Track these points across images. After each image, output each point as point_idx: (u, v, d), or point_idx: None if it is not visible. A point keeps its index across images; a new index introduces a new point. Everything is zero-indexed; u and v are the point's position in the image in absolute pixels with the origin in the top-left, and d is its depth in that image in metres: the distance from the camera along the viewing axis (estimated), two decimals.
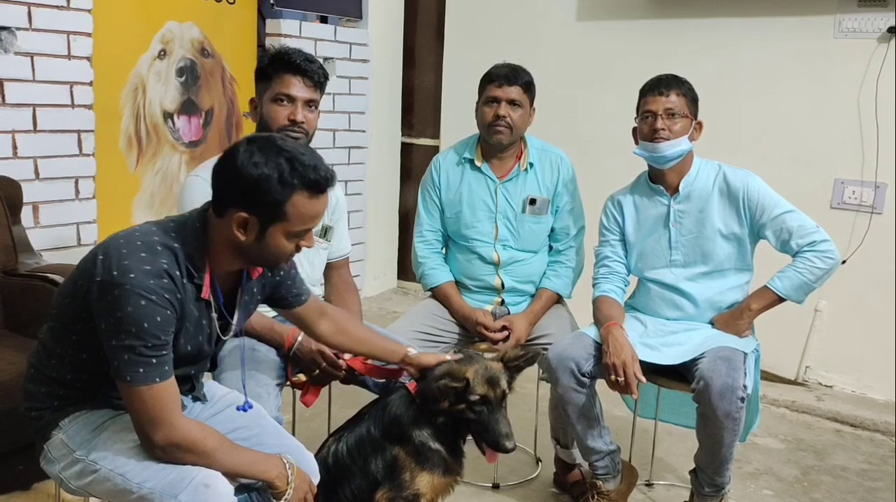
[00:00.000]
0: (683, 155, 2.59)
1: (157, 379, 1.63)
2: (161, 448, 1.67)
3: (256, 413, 2.05)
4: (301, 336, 2.40)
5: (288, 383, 2.44)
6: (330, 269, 2.69)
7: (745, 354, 2.48)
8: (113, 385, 1.67)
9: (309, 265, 2.58)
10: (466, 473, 2.96)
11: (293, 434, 2.20)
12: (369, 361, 2.38)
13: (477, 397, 2.09)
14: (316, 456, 2.06)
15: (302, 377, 2.43)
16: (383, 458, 2.16)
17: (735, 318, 2.61)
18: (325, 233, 2.61)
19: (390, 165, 5.42)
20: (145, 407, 1.64)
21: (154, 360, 1.63)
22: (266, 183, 1.64)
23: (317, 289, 2.64)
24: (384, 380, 2.38)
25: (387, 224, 5.47)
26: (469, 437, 2.19)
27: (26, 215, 3.28)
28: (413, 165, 5.42)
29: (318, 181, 1.70)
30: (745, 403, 2.35)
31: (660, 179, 2.67)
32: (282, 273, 2.01)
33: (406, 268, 5.55)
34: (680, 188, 2.64)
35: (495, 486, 3.00)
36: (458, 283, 3.03)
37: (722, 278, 2.65)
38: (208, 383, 2.08)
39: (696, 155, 2.67)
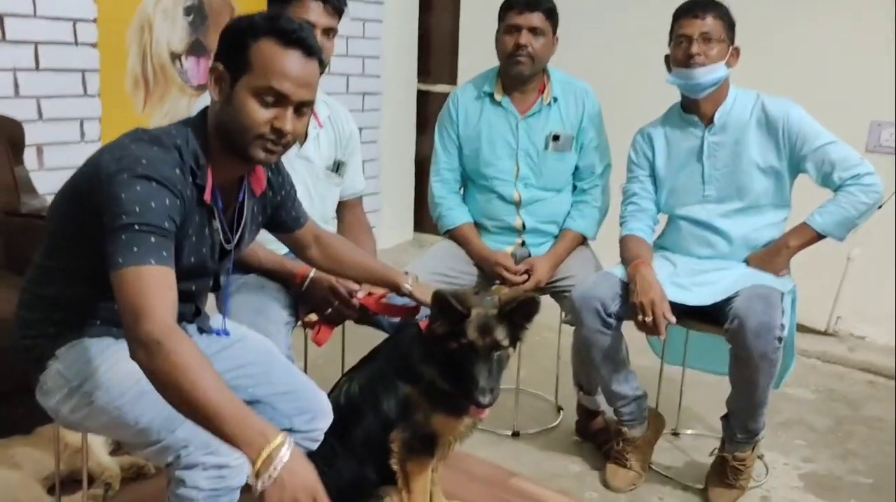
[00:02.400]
0: (719, 82, 2.43)
1: (152, 261, 1.43)
2: (146, 343, 1.37)
3: (266, 349, 1.93)
4: (313, 272, 2.28)
5: (299, 323, 2.33)
6: (343, 208, 2.57)
7: (783, 293, 2.34)
8: (112, 301, 1.46)
9: (321, 201, 2.46)
10: (486, 421, 2.89)
11: None
12: (383, 300, 2.27)
13: (465, 341, 1.91)
14: (328, 397, 1.95)
15: (313, 316, 2.32)
16: (396, 398, 2.05)
17: (771, 256, 2.46)
18: (338, 168, 2.48)
19: (406, 113, 5.25)
20: (134, 292, 1.40)
21: (152, 239, 1.45)
22: (237, 27, 1.57)
23: (329, 227, 2.52)
24: (398, 320, 2.27)
25: (403, 174, 5.32)
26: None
27: (30, 158, 3.17)
28: (429, 113, 5.25)
29: (288, 30, 1.56)
30: (781, 344, 2.22)
31: (693, 109, 2.51)
32: (283, 192, 1.90)
33: (423, 220, 5.41)
34: (715, 118, 2.48)
35: (515, 434, 2.90)
36: (476, 225, 2.89)
37: (758, 215, 2.50)
38: (216, 317, 1.96)
39: (731, 83, 2.50)
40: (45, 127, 3.29)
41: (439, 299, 1.94)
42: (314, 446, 1.87)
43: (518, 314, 1.96)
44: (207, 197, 1.62)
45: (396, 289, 2.10)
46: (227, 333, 1.90)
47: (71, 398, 1.65)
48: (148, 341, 1.38)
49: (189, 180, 1.57)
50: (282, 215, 1.93)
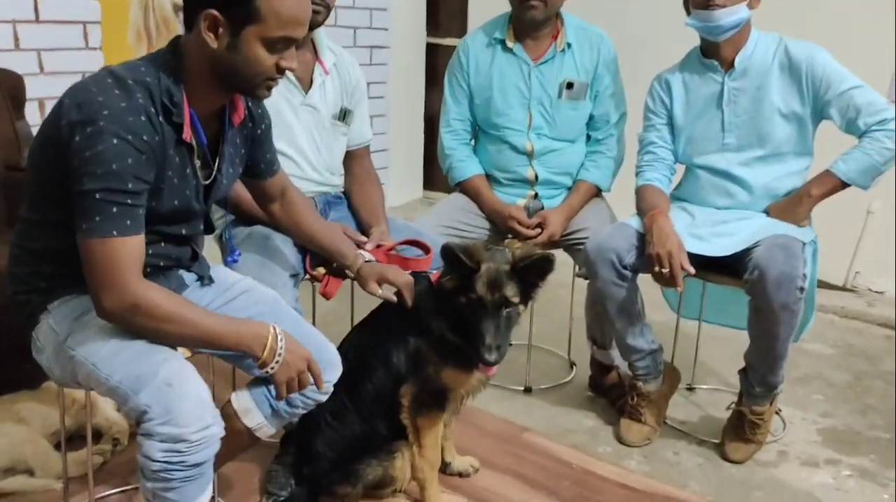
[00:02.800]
0: (741, 24, 2.33)
1: (115, 233, 1.44)
2: (114, 312, 1.48)
3: (273, 300, 1.88)
4: None
5: (307, 276, 2.28)
6: (350, 158, 2.50)
7: (804, 243, 2.26)
8: None
9: (327, 151, 2.39)
10: (498, 376, 2.84)
11: None
12: (392, 252, 2.21)
13: (474, 296, 1.86)
14: (337, 350, 1.90)
15: (321, 269, 2.27)
16: (406, 351, 2.00)
17: (793, 206, 2.38)
18: (344, 116, 2.40)
19: (415, 67, 5.15)
20: (98, 263, 1.45)
21: (114, 209, 1.43)
22: None
23: (335, 179, 2.46)
24: (408, 273, 2.21)
25: (411, 130, 5.23)
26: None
27: (32, 112, 3.11)
28: (439, 68, 5.11)
29: None
30: (803, 294, 2.15)
31: (713, 53, 2.41)
32: (262, 126, 1.82)
33: (433, 178, 5.34)
34: (735, 63, 2.39)
35: (527, 390, 2.86)
36: (488, 177, 2.81)
37: (779, 163, 2.41)
38: (218, 268, 1.91)
39: (753, 26, 2.40)
40: (46, 80, 3.22)
41: (448, 252, 1.88)
42: (324, 398, 1.83)
43: (531, 271, 1.88)
44: (186, 135, 1.55)
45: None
46: (235, 261, 1.94)
47: (58, 353, 1.62)
48: (116, 310, 1.48)
49: (161, 121, 1.50)
50: (257, 155, 1.85)
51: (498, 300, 1.86)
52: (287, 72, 2.20)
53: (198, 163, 1.63)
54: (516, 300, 1.88)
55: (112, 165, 1.41)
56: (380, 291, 2.01)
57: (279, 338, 1.64)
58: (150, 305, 1.49)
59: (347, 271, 2.06)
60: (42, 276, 1.62)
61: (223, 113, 1.68)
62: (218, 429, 1.51)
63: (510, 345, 3.14)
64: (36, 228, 1.60)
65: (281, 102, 2.26)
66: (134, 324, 1.51)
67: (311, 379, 1.71)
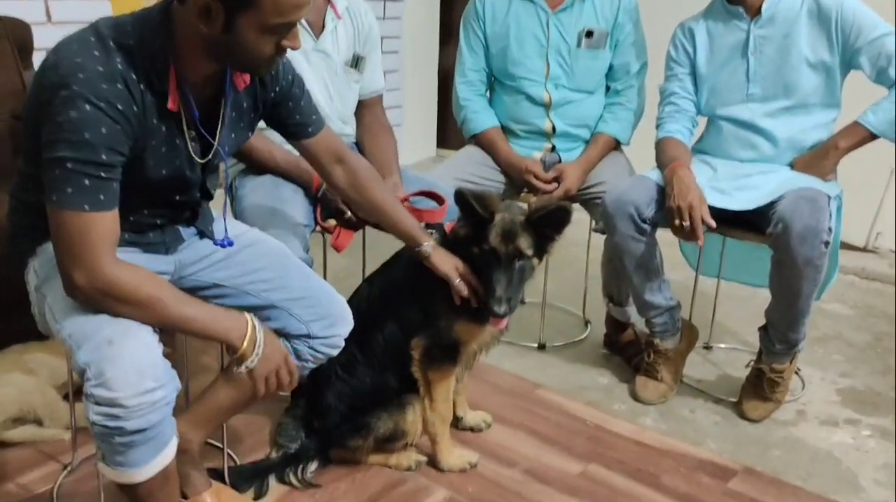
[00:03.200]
0: None
1: (86, 207, 1.36)
2: (83, 292, 1.40)
3: (281, 253, 1.83)
4: None
5: (317, 228, 2.23)
6: (362, 108, 2.43)
7: (830, 198, 2.19)
8: None
9: (340, 100, 2.33)
10: (511, 333, 2.81)
11: None
12: (405, 203, 2.15)
13: (487, 247, 1.82)
14: (348, 303, 1.85)
15: (332, 221, 2.22)
16: (418, 303, 1.96)
17: (819, 158, 2.31)
18: (357, 63, 2.34)
19: (429, 21, 5.03)
20: (68, 238, 1.37)
21: (86, 181, 1.35)
22: None
23: (347, 128, 2.40)
24: (422, 224, 2.16)
25: (426, 86, 5.14)
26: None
27: (39, 61, 3.04)
28: (454, 21, 5.00)
29: None
30: (828, 249, 2.09)
31: (739, 0, 2.32)
32: (277, 89, 1.69)
33: (447, 136, 5.26)
34: (762, 10, 2.30)
35: (541, 347, 2.82)
36: (504, 129, 2.74)
37: (805, 114, 2.33)
38: (220, 220, 1.85)
39: None
40: (54, 30, 3.16)
41: (461, 199, 1.83)
42: (334, 352, 1.79)
43: (547, 223, 1.84)
44: (172, 105, 1.46)
45: (414, 248, 1.91)
46: (230, 243, 1.77)
47: (38, 298, 1.58)
48: (87, 291, 1.40)
49: (142, 88, 1.41)
50: (281, 114, 1.73)
51: (511, 252, 1.82)
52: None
53: (191, 133, 1.53)
54: (530, 252, 1.84)
55: (85, 134, 1.33)
56: (457, 280, 1.88)
57: (258, 329, 1.57)
58: (124, 289, 1.41)
59: (421, 256, 1.90)
60: (37, 228, 1.57)
61: (223, 76, 1.56)
62: (163, 393, 1.39)
63: (524, 302, 3.12)
64: (31, 182, 1.54)
65: None
66: (104, 306, 1.42)
67: (288, 378, 1.64)
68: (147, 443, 1.43)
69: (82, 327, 1.42)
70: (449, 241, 1.95)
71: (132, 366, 1.36)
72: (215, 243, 1.75)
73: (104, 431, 1.37)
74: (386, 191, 1.95)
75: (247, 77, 1.60)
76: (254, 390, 1.62)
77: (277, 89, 1.69)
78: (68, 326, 1.45)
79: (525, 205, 1.91)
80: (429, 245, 1.89)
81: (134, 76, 1.39)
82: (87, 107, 1.32)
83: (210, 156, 1.59)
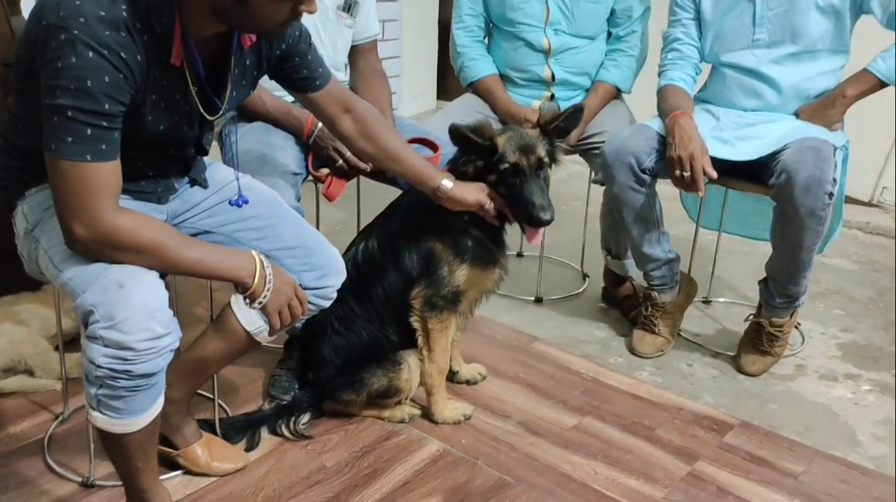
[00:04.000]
0: None
1: (88, 157, 1.31)
2: (83, 243, 1.37)
3: (272, 201, 1.78)
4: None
5: (309, 177, 2.18)
6: (355, 53, 2.36)
7: (835, 148, 2.13)
8: None
9: (331, 46, 2.26)
10: (509, 286, 2.79)
11: None
12: None
13: (507, 165, 1.84)
14: (343, 257, 1.81)
15: (325, 170, 2.17)
16: (418, 252, 1.93)
17: (825, 107, 2.24)
18: (350, 7, 2.26)
19: None
20: (67, 188, 1.33)
21: (88, 131, 1.30)
22: None
23: (340, 75, 2.33)
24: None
25: (425, 36, 5.03)
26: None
27: (28, 7, 2.97)
28: None
29: None
30: (831, 200, 2.04)
31: None
32: (283, 46, 1.63)
33: (447, 88, 5.16)
34: None
35: (538, 300, 2.79)
36: (502, 77, 2.68)
37: (812, 61, 2.26)
38: (214, 166, 1.81)
39: None
40: None
41: (458, 134, 1.83)
42: (326, 304, 1.75)
43: (558, 130, 1.90)
44: (175, 59, 1.39)
45: (432, 192, 1.85)
46: (245, 201, 1.73)
47: (26, 241, 1.55)
48: (87, 241, 1.37)
49: (145, 38, 1.34)
50: (286, 69, 1.67)
51: (534, 162, 1.85)
52: None
53: (194, 89, 1.47)
54: (548, 160, 1.89)
55: (87, 82, 1.27)
56: (489, 203, 1.86)
57: (266, 264, 1.55)
58: (125, 237, 1.37)
59: (443, 195, 1.84)
60: (26, 171, 1.54)
61: (230, 34, 1.50)
62: (170, 340, 1.38)
63: (521, 254, 3.10)
64: (21, 124, 1.49)
65: None
66: (107, 256, 1.39)
67: (300, 308, 1.63)
68: (150, 389, 1.42)
69: (86, 270, 1.39)
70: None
71: (143, 309, 1.34)
72: (231, 203, 1.72)
73: (110, 374, 1.36)
74: (397, 137, 1.89)
75: (254, 35, 1.54)
76: (269, 325, 1.61)
77: (284, 46, 1.62)
78: (69, 270, 1.42)
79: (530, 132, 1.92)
80: (448, 181, 1.85)
81: (139, 24, 1.32)
82: (90, 53, 1.26)
83: (217, 114, 1.54)
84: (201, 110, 1.50)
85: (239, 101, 1.64)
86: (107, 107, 1.30)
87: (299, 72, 1.69)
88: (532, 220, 1.84)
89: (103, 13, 1.28)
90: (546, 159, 1.87)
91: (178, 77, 1.44)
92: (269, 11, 1.36)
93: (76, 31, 1.25)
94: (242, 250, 1.56)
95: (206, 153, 1.71)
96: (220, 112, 1.54)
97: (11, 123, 1.52)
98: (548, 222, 1.84)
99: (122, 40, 1.30)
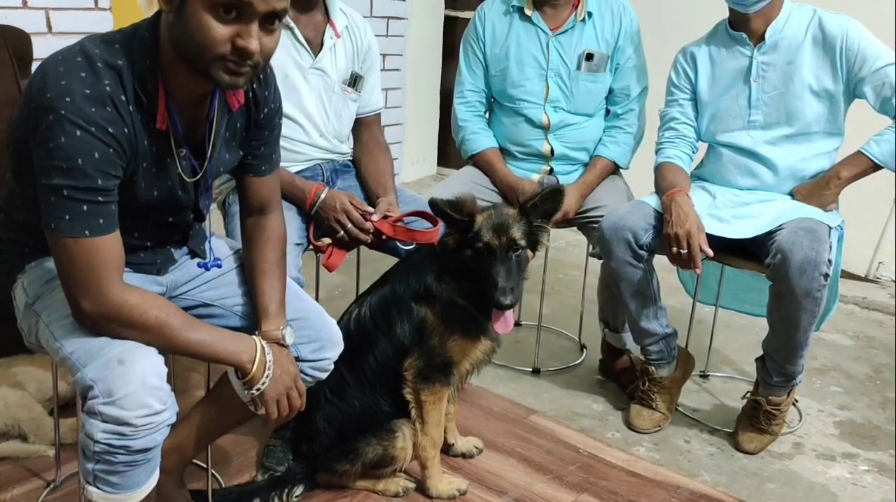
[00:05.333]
0: None
1: (87, 233, 1.34)
2: (90, 318, 1.39)
3: None
4: (325, 193, 2.16)
5: (310, 247, 2.21)
6: (359, 126, 2.41)
7: (830, 228, 2.16)
8: None
9: (336, 118, 2.31)
10: (506, 357, 2.79)
11: None
12: (398, 224, 2.13)
13: (480, 244, 1.83)
14: (338, 324, 1.82)
15: (326, 240, 2.19)
16: (409, 321, 1.93)
17: (820, 188, 2.28)
18: (355, 82, 2.32)
19: (432, 40, 5.04)
20: (71, 265, 1.36)
21: (84, 207, 1.33)
22: None
23: (343, 147, 2.38)
24: (414, 245, 2.14)
25: (427, 105, 5.14)
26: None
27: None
28: (457, 41, 4.96)
29: None
30: (827, 281, 2.05)
31: (743, 26, 2.30)
32: (266, 111, 1.61)
33: (448, 155, 5.24)
34: (766, 36, 2.27)
35: (535, 371, 2.78)
36: (502, 150, 2.72)
37: (807, 142, 2.31)
38: (214, 238, 1.83)
39: None
40: (54, 40, 3.15)
41: (436, 208, 1.85)
42: (323, 376, 1.75)
43: (539, 211, 1.87)
44: (160, 124, 1.42)
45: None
46: (216, 264, 1.73)
47: (26, 315, 1.55)
48: (94, 316, 1.39)
49: (131, 110, 1.37)
50: (253, 141, 1.64)
51: (506, 243, 1.84)
52: (296, 32, 2.15)
53: (181, 152, 1.49)
54: (524, 243, 1.86)
55: (78, 160, 1.30)
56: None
57: (266, 351, 1.55)
58: (131, 314, 1.40)
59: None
60: (24, 244, 1.56)
61: (213, 96, 1.51)
62: (168, 415, 1.39)
63: (520, 324, 3.09)
64: (19, 199, 1.51)
65: (289, 65, 2.18)
66: (112, 331, 1.41)
67: (299, 401, 1.62)
68: (146, 464, 1.42)
69: (86, 345, 1.41)
70: (439, 254, 1.93)
71: (142, 385, 1.36)
72: (199, 265, 1.72)
73: (108, 449, 1.36)
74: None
75: (240, 96, 1.56)
76: (266, 414, 1.60)
77: (266, 111, 1.63)
78: (70, 345, 1.43)
79: (509, 212, 1.90)
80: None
81: (123, 97, 1.35)
82: (78, 132, 1.29)
83: (200, 175, 1.55)
84: (180, 171, 1.50)
85: (232, 164, 1.65)
86: (100, 182, 1.33)
87: (259, 148, 1.67)
88: (492, 302, 1.82)
89: (88, 91, 1.31)
90: (521, 241, 1.84)
91: (165, 142, 1.46)
92: (204, 26, 1.31)
93: (63, 112, 1.28)
94: (245, 335, 1.56)
95: (203, 219, 1.71)
96: (202, 171, 1.54)
97: (9, 197, 1.55)
98: (506, 306, 1.82)
99: (108, 115, 1.33)
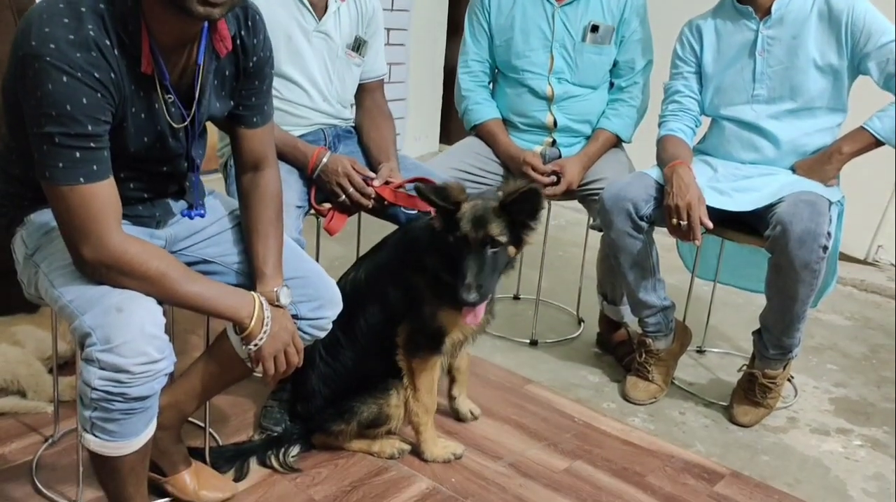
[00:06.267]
0: None
1: (82, 180, 1.34)
2: (90, 266, 1.40)
3: None
4: (327, 157, 2.16)
5: (311, 211, 2.21)
6: (362, 92, 2.41)
7: (831, 202, 2.16)
8: None
9: (339, 82, 2.30)
10: (504, 328, 2.80)
11: None
12: (400, 189, 2.13)
13: (458, 234, 1.77)
14: None
15: (327, 205, 2.19)
16: (403, 289, 1.93)
17: (821, 163, 2.28)
18: (359, 47, 2.31)
19: (437, 15, 5.02)
20: (68, 213, 1.36)
21: (77, 154, 1.33)
22: None
23: (346, 112, 2.37)
24: (415, 212, 2.14)
25: (431, 80, 5.12)
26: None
27: None
28: (461, 16, 4.93)
29: None
30: (826, 254, 2.06)
31: (749, 0, 2.29)
32: (255, 59, 1.59)
33: (450, 131, 5.23)
34: (772, 10, 2.27)
35: (533, 343, 2.79)
36: (505, 122, 2.72)
37: (810, 117, 2.30)
38: (215, 194, 1.83)
39: None
40: None
41: (422, 196, 1.81)
42: (321, 335, 1.76)
43: (520, 209, 1.78)
44: (145, 67, 1.41)
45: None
46: (200, 214, 1.71)
47: (26, 266, 1.56)
48: (94, 264, 1.39)
49: (116, 53, 1.36)
50: (244, 91, 1.63)
51: (482, 238, 1.77)
52: None
53: (169, 98, 1.48)
54: (503, 239, 1.78)
55: (66, 106, 1.30)
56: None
57: (265, 307, 1.56)
58: (132, 263, 1.40)
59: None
60: (22, 197, 1.56)
61: (203, 39, 1.50)
62: (165, 365, 1.40)
63: (493, 298, 3.11)
64: (15, 154, 1.52)
65: (293, 27, 2.17)
66: (111, 280, 1.41)
67: (296, 357, 1.63)
68: (144, 412, 1.43)
69: (86, 293, 1.41)
70: (431, 236, 1.91)
71: (140, 333, 1.36)
72: (184, 214, 1.70)
73: (105, 397, 1.37)
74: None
75: (227, 42, 1.53)
76: (263, 370, 1.61)
77: (255, 59, 1.61)
78: (69, 294, 1.43)
79: (494, 205, 1.82)
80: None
81: (107, 41, 1.35)
82: (64, 77, 1.29)
83: (188, 121, 1.54)
84: (168, 118, 1.50)
85: (222, 112, 1.64)
86: (90, 128, 1.33)
87: (250, 98, 1.66)
88: (458, 295, 1.76)
89: (72, 36, 1.30)
90: (501, 237, 1.77)
91: (152, 87, 1.45)
92: None
93: (48, 58, 1.28)
94: (244, 291, 1.56)
95: (197, 168, 1.69)
96: (189, 117, 1.53)
97: (6, 152, 1.55)
98: (468, 304, 1.76)
99: (93, 60, 1.32)
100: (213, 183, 1.89)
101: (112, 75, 1.36)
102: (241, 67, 1.60)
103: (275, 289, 1.62)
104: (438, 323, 1.92)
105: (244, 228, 1.73)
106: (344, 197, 2.15)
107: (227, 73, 1.59)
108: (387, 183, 2.15)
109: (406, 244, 1.96)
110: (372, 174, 2.18)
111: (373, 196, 2.15)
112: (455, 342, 2.00)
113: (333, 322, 1.78)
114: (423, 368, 1.95)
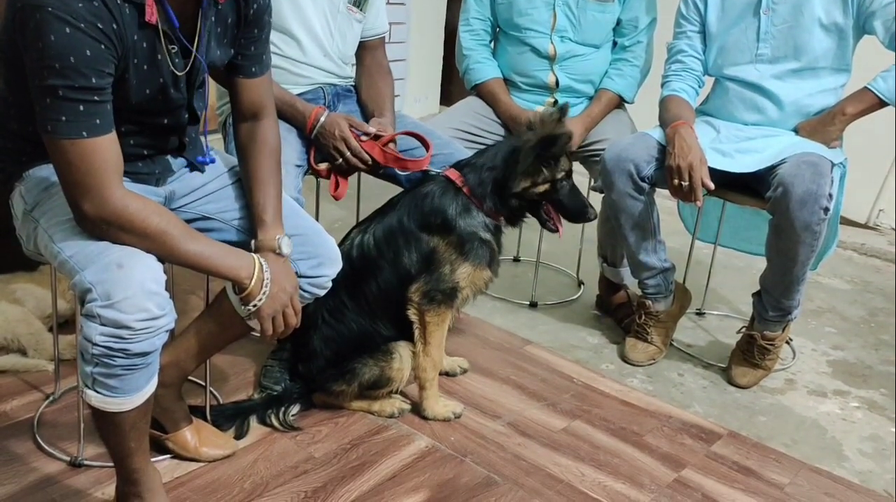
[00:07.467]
0: None
1: (84, 133, 1.32)
2: (90, 221, 1.38)
3: None
4: (324, 117, 2.13)
5: (310, 171, 2.20)
6: (363, 49, 2.37)
7: (833, 164, 2.15)
8: None
9: (340, 38, 2.27)
10: (504, 290, 2.81)
11: None
12: (390, 151, 2.12)
13: (563, 172, 1.98)
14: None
15: (324, 165, 2.18)
16: (418, 250, 1.96)
17: (824, 124, 2.26)
18: (360, 3, 2.27)
19: None
20: (70, 167, 1.34)
21: (81, 107, 1.31)
22: None
23: (347, 69, 2.35)
24: (416, 173, 2.13)
25: (431, 41, 5.05)
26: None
27: None
28: None
29: None
30: (827, 215, 2.05)
31: None
32: (255, 6, 1.59)
33: (451, 93, 5.18)
34: None
35: (533, 304, 2.80)
36: (506, 81, 2.69)
37: (814, 78, 2.28)
38: (215, 152, 1.81)
39: None
40: None
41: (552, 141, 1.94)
42: (321, 293, 1.75)
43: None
44: (149, 17, 1.39)
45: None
46: (212, 160, 1.72)
47: (25, 222, 1.55)
48: (94, 219, 1.38)
49: (119, 2, 1.33)
50: (242, 39, 1.62)
51: (571, 171, 2.04)
52: None
53: (173, 48, 1.46)
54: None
55: (70, 58, 1.27)
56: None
57: (265, 268, 1.55)
58: (132, 219, 1.39)
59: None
60: (21, 152, 1.55)
61: None
62: (166, 321, 1.39)
63: (519, 259, 3.12)
64: (13, 109, 1.50)
65: None
66: (111, 236, 1.40)
67: (294, 318, 1.63)
68: (146, 368, 1.42)
69: (86, 249, 1.40)
70: (459, 189, 1.97)
71: (141, 289, 1.35)
72: (197, 161, 1.70)
73: (107, 352, 1.36)
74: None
75: None
76: (261, 330, 1.61)
77: (256, 6, 1.60)
78: (69, 249, 1.42)
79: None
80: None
81: None
82: (67, 28, 1.27)
83: (189, 66, 1.52)
84: (171, 66, 1.48)
85: (223, 60, 1.62)
86: (94, 80, 1.31)
87: (249, 47, 1.64)
88: (583, 216, 2.07)
89: None
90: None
91: (155, 37, 1.43)
92: None
93: (50, 9, 1.26)
94: (244, 252, 1.56)
95: (198, 120, 1.68)
96: (190, 62, 1.51)
97: (4, 107, 1.53)
98: (595, 218, 2.13)
99: (96, 10, 1.30)
100: (212, 142, 1.87)
101: (114, 26, 1.33)
102: (241, 14, 1.59)
103: (277, 237, 1.62)
104: (456, 279, 1.96)
105: (243, 179, 1.73)
106: (341, 160, 2.13)
107: (228, 20, 1.58)
108: (377, 138, 2.13)
109: (422, 208, 1.96)
110: (371, 129, 2.15)
111: (369, 162, 2.13)
112: (464, 297, 2.03)
113: (338, 286, 1.78)
114: (435, 321, 1.98)
